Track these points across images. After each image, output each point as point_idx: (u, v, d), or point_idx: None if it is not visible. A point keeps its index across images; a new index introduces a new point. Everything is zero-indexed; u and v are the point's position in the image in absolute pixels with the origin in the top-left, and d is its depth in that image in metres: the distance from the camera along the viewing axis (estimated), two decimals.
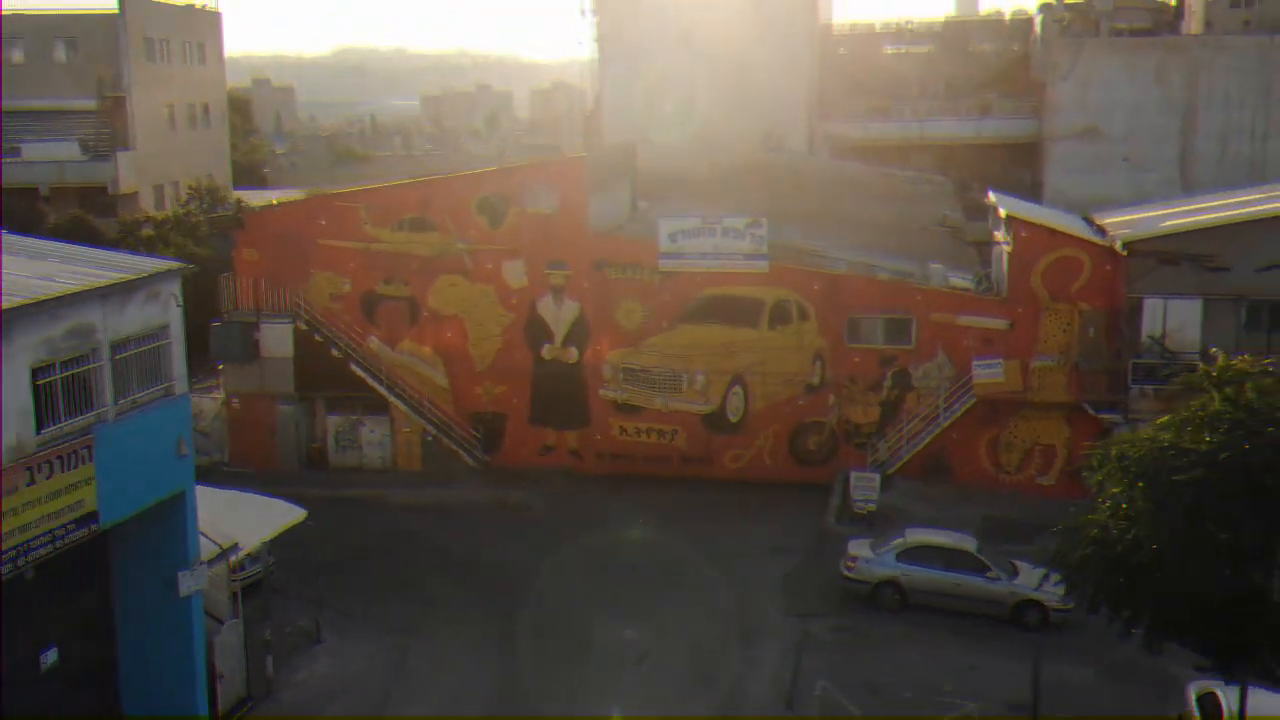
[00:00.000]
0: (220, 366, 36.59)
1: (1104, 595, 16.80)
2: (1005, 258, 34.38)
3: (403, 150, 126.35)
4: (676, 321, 34.77)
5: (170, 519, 18.96)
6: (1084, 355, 33.18)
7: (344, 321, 35.64)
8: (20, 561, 15.92)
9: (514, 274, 35.11)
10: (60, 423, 16.63)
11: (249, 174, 77.28)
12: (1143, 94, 60.62)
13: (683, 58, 57.07)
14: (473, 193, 35.11)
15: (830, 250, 37.57)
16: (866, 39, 71.00)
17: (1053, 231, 34.14)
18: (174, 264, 19.11)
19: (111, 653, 19.47)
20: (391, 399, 35.44)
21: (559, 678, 23.03)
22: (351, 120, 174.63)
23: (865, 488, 31.69)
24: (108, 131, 54.35)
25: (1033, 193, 61.17)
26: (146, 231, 49.74)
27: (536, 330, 35.35)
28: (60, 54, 56.46)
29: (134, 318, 17.78)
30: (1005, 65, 68.61)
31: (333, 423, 35.90)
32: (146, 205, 54.03)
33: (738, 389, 34.90)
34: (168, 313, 18.47)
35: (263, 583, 23.93)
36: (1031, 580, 23.62)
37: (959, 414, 33.63)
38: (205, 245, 46.59)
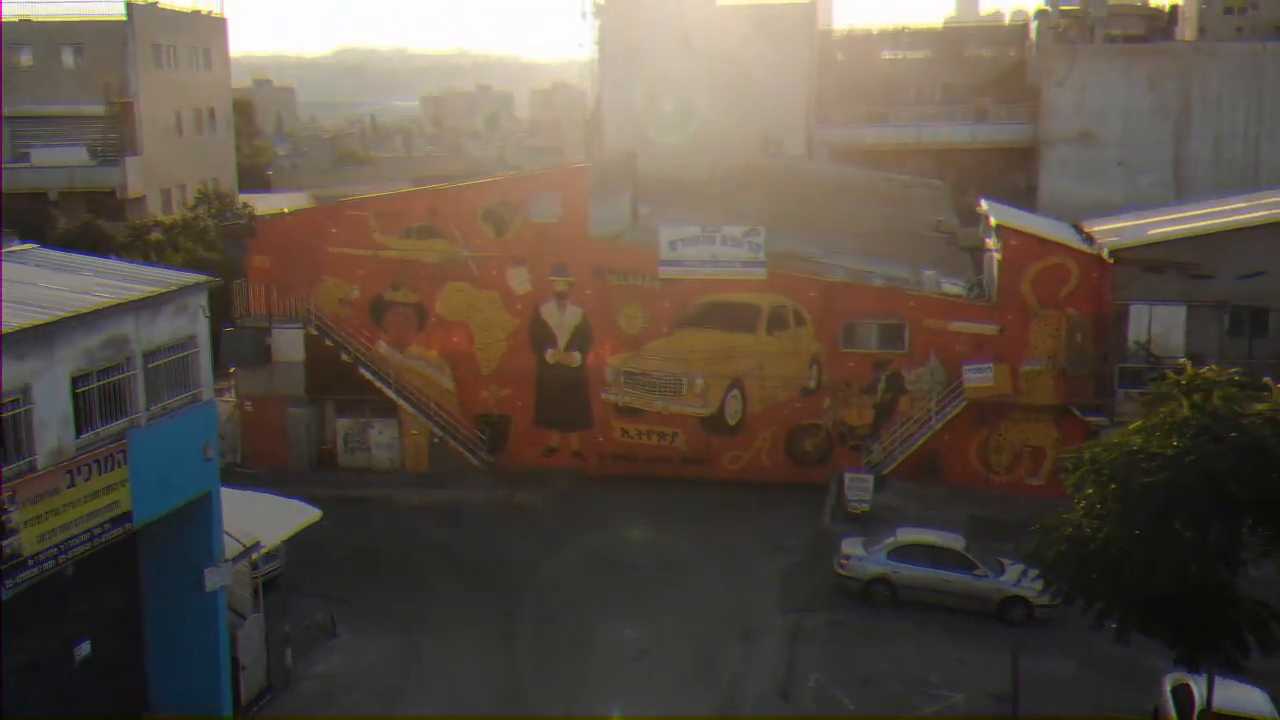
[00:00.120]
0: (232, 370, 37.51)
1: (1078, 590, 17.84)
2: (995, 265, 35.34)
3: (403, 151, 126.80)
4: (676, 327, 35.61)
5: (197, 518, 19.99)
6: (1071, 360, 34.04)
7: (353, 326, 36.53)
8: (61, 559, 16.95)
9: (518, 280, 36.01)
10: (97, 428, 17.65)
11: (252, 176, 77.83)
12: (1137, 99, 61.21)
13: (683, 61, 57.80)
14: (478, 202, 36.01)
15: (826, 256, 38.50)
16: (864, 44, 71.65)
17: (1041, 240, 35.10)
18: (201, 277, 20.12)
19: (140, 645, 20.49)
20: (399, 402, 36.27)
21: (563, 672, 23.83)
22: (352, 121, 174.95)
23: (859, 488, 32.59)
24: (116, 137, 54.81)
25: (1028, 196, 61.96)
26: (155, 236, 50.30)
27: (540, 335, 36.23)
28: (69, 60, 56.70)
29: (164, 329, 18.81)
30: (1001, 70, 69.22)
31: (342, 425, 36.72)
32: (154, 209, 54.50)
33: (736, 392, 35.79)
34: (195, 323, 19.49)
35: (280, 579, 24.92)
36: (1016, 577, 24.62)
37: (950, 416, 34.51)
38: (215, 250, 47.30)
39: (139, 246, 47.46)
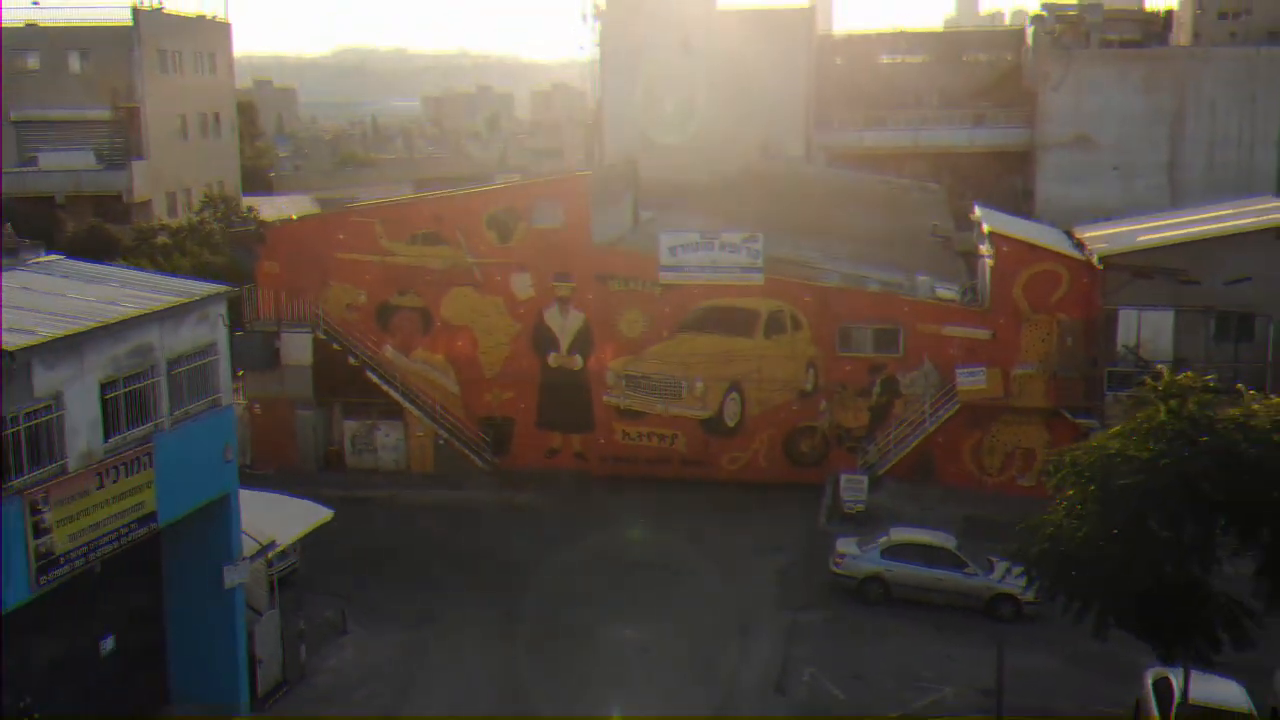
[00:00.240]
0: (241, 374, 38.25)
1: (1059, 587, 18.67)
2: (988, 271, 36.15)
3: (404, 153, 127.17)
4: (676, 331, 36.34)
5: (217, 518, 20.83)
6: (1062, 364, 34.80)
7: (360, 331, 37.30)
8: (91, 557, 17.78)
9: (522, 286, 36.78)
10: (124, 433, 18.47)
11: (255, 178, 78.03)
12: (1132, 103, 61.86)
13: (683, 64, 58.45)
14: (483, 209, 36.79)
15: (823, 261, 39.23)
16: (863, 48, 72.27)
17: (1033, 247, 35.87)
18: (221, 288, 20.94)
19: (162, 640, 21.32)
20: (405, 404, 37.04)
21: (566, 667, 24.57)
22: (353, 121, 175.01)
23: (854, 489, 33.35)
24: (122, 141, 55.37)
25: (1025, 199, 62.67)
26: (162, 239, 50.79)
27: (543, 339, 36.99)
28: (75, 64, 56.91)
29: (187, 337, 19.64)
30: (998, 74, 69.87)
31: (349, 427, 37.52)
32: (159, 213, 55.08)
33: (735, 395, 36.54)
34: (215, 332, 20.32)
35: (293, 577, 25.73)
36: (1003, 575, 25.44)
37: (944, 419, 35.23)
38: (221, 254, 47.88)
39: (146, 250, 47.77)
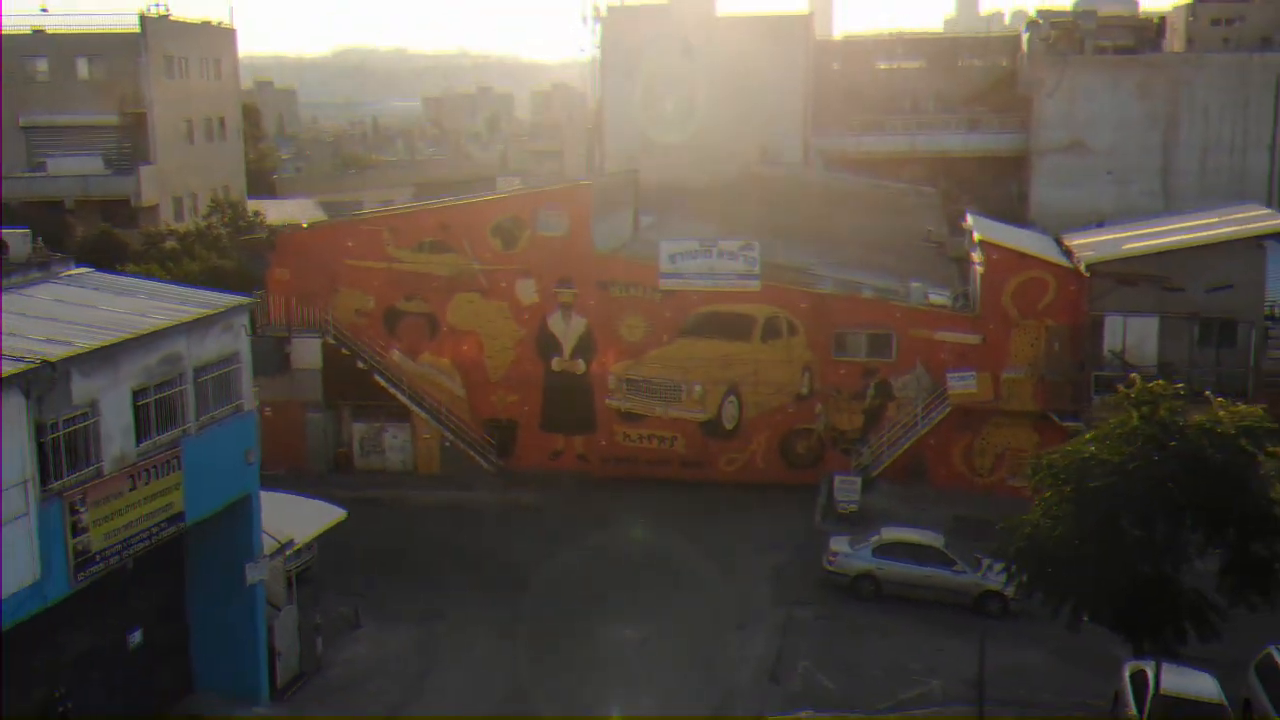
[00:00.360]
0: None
1: (1037, 583, 19.74)
2: (978, 278, 37.17)
3: (405, 154, 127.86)
4: (676, 336, 37.31)
5: (239, 518, 21.89)
6: (1050, 368, 35.78)
7: (368, 335, 38.29)
8: (124, 555, 18.84)
9: (526, 292, 37.78)
10: (154, 437, 19.51)
11: (259, 181, 78.53)
12: (1126, 109, 62.41)
13: (683, 68, 59.26)
14: (488, 217, 37.78)
15: (819, 267, 40.24)
16: (859, 53, 73.05)
17: (1021, 255, 36.85)
18: (244, 299, 22.00)
19: (186, 633, 22.38)
20: (412, 407, 37.99)
21: (570, 660, 25.56)
22: (354, 122, 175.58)
23: (848, 489, 34.36)
24: (129, 146, 55.98)
25: (1020, 204, 63.40)
26: (170, 244, 51.61)
27: (546, 344, 37.97)
28: (83, 70, 57.19)
29: (212, 346, 20.70)
30: (994, 80, 70.55)
31: (358, 429, 38.47)
32: (167, 217, 55.65)
33: (733, 398, 37.51)
34: (238, 341, 21.39)
35: (307, 574, 26.76)
36: (992, 573, 26.47)
37: (936, 421, 36.21)
38: (230, 258, 48.64)
39: (154, 255, 48.42)
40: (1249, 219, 39.11)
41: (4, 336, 17.55)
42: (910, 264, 42.69)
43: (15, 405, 16.62)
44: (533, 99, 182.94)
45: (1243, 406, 19.41)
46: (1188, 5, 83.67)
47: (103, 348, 18.12)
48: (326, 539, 27.81)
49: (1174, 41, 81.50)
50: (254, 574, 21.88)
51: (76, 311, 19.59)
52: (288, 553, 23.70)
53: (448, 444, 38.13)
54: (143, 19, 55.87)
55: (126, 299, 20.74)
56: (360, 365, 37.99)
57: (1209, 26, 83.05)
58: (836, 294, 37.57)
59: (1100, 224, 56.08)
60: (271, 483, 31.32)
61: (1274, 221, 38.49)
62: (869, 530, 31.07)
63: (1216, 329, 35.14)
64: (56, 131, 55.88)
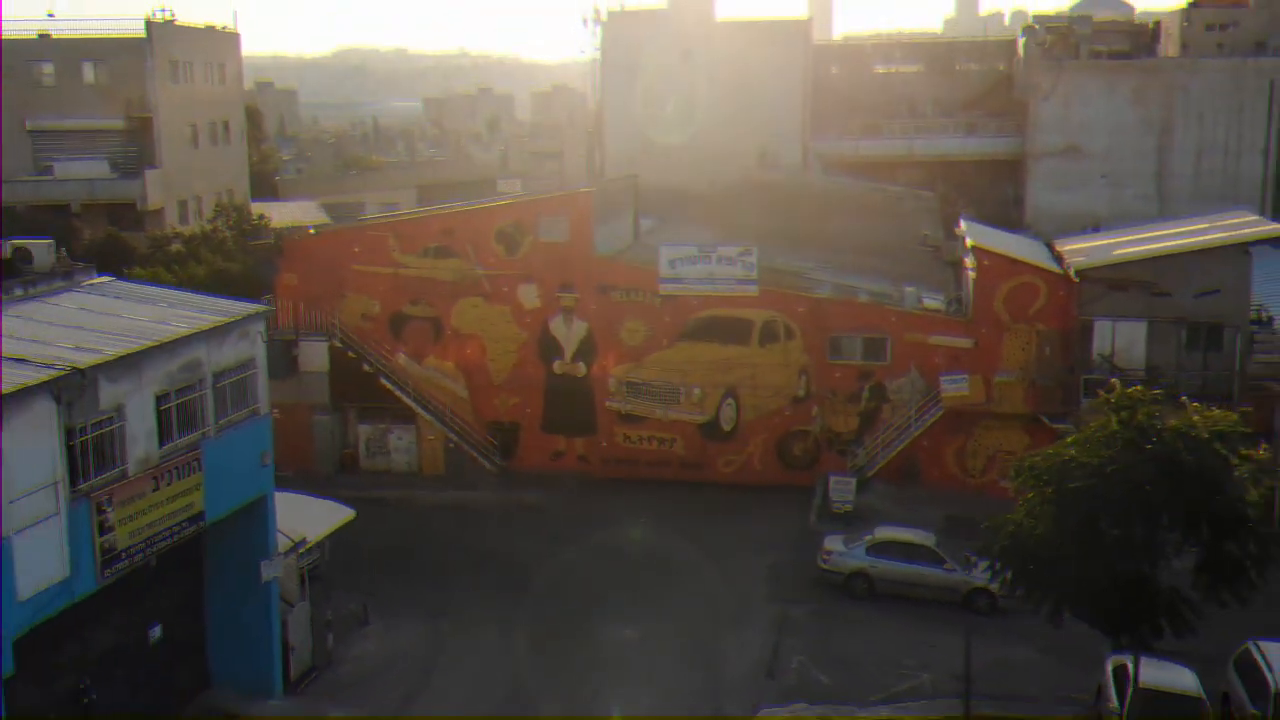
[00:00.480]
0: None
1: (1020, 580, 20.61)
2: (971, 283, 38.00)
3: (406, 155, 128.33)
4: (675, 340, 38.09)
5: (254, 517, 22.76)
6: (1040, 371, 36.53)
7: (374, 339, 39.06)
8: (148, 552, 19.69)
9: (528, 296, 38.59)
10: (176, 440, 20.37)
11: (261, 183, 78.64)
12: (1121, 113, 63.36)
13: (683, 72, 60.03)
14: (491, 223, 38.60)
15: (816, 272, 41.06)
16: (857, 57, 73.84)
17: (1013, 261, 37.67)
18: (260, 307, 22.87)
19: (203, 629, 23.23)
20: (417, 409, 38.77)
21: (572, 655, 26.37)
22: (354, 123, 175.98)
23: (843, 490, 35.13)
24: (135, 150, 56.49)
25: (1016, 207, 64.28)
26: (176, 247, 52.11)
27: (548, 347, 38.76)
28: (89, 75, 57.48)
29: (230, 353, 21.56)
30: (991, 84, 71.32)
31: (364, 431, 39.28)
32: (172, 220, 56.20)
33: (730, 401, 38.29)
34: (254, 347, 22.24)
35: (316, 572, 27.58)
36: (979, 571, 27.28)
37: (929, 424, 36.96)
38: (235, 261, 49.25)
39: (160, 258, 48.80)
40: (1236, 225, 39.95)
41: (34, 344, 18.39)
42: (906, 268, 43.48)
43: (46, 410, 17.47)
44: (533, 100, 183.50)
45: (1217, 411, 20.26)
46: (1182, 10, 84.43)
47: (128, 355, 18.98)
48: (335, 538, 28.57)
49: (1169, 46, 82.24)
50: (269, 571, 22.73)
51: (101, 320, 20.44)
52: (300, 551, 24.53)
53: (452, 445, 38.89)
54: (148, 24, 56.42)
55: (148, 307, 21.58)
56: (366, 368, 38.76)
57: (1203, 32, 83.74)
58: (833, 299, 38.34)
59: (1096, 228, 56.80)
60: (280, 483, 32.18)
61: (1260, 228, 39.36)
62: (863, 530, 31.86)
63: (1203, 333, 35.92)
64: (62, 135, 56.27)
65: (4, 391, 16.62)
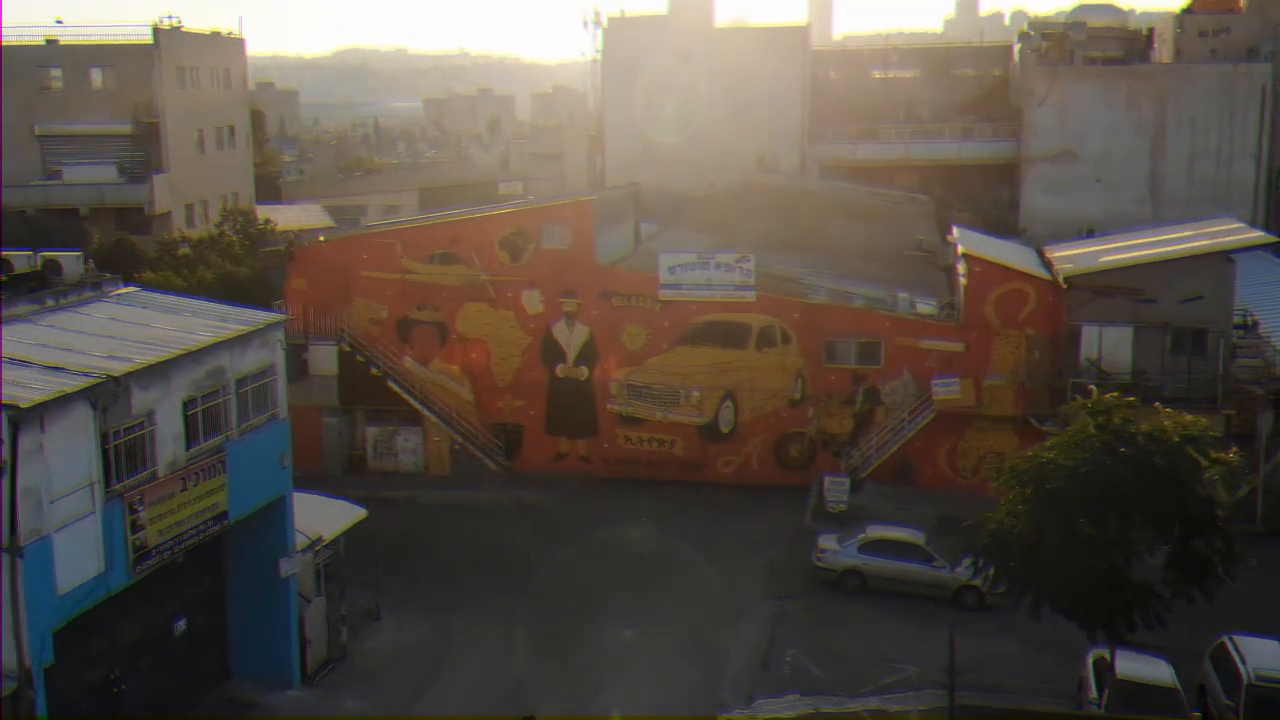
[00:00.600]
0: None
1: (1001, 575, 21.72)
2: (962, 289, 39.02)
3: (407, 157, 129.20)
4: (675, 344, 39.10)
5: (274, 516, 23.87)
6: (1030, 375, 37.54)
7: (382, 343, 40.07)
8: (176, 549, 20.79)
9: (532, 302, 39.62)
10: (201, 443, 21.47)
11: (265, 186, 78.78)
12: (1115, 118, 63.83)
13: (683, 76, 60.80)
14: (496, 231, 39.62)
15: (813, 277, 42.04)
16: (855, 63, 74.58)
17: (1003, 268, 38.65)
18: (280, 317, 23.95)
19: (224, 622, 24.33)
20: (424, 411, 39.78)
21: (575, 648, 27.32)
22: (355, 124, 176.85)
23: (837, 490, 36.05)
24: (142, 154, 57.12)
25: (1011, 211, 65.06)
26: (184, 251, 52.83)
27: (551, 351, 39.79)
28: (97, 80, 58.13)
29: (251, 360, 22.66)
30: (986, 89, 72.08)
31: (372, 432, 40.28)
32: (179, 224, 57.01)
33: (729, 403, 39.32)
34: (274, 354, 23.34)
35: (328, 569, 28.60)
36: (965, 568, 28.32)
37: (921, 425, 37.96)
38: (243, 265, 50.15)
39: (169, 262, 49.51)
40: (1220, 233, 40.96)
41: (69, 353, 19.50)
42: (901, 272, 44.38)
43: (83, 416, 18.57)
44: (533, 100, 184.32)
45: (1189, 416, 21.37)
46: (1175, 17, 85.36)
47: (158, 363, 20.08)
48: (346, 537, 29.55)
49: (1162, 52, 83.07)
50: (288, 568, 23.83)
51: (131, 329, 21.53)
52: (317, 548, 25.61)
53: (457, 446, 39.87)
54: (156, 31, 57.11)
55: (174, 317, 22.68)
56: (374, 371, 39.76)
57: (1196, 38, 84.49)
58: (828, 304, 39.33)
59: (1090, 232, 57.80)
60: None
61: (1243, 236, 40.40)
62: (856, 528, 32.87)
63: (1188, 338, 36.82)
64: (70, 140, 56.90)
65: (45, 399, 17.72)
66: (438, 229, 40.61)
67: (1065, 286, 37.49)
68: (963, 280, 39.01)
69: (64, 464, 18.26)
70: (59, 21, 63.48)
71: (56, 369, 18.82)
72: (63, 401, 18.08)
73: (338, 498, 29.74)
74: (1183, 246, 39.46)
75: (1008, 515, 21.38)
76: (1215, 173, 64.98)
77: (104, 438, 19.12)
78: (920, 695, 25.11)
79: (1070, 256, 41.33)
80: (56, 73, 58.05)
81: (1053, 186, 64.43)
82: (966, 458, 38.34)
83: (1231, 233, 40.99)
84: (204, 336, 21.56)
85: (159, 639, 22.55)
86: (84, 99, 57.47)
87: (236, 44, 67.07)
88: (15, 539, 17.49)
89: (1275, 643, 24.63)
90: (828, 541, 31.84)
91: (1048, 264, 40.80)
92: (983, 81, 73.16)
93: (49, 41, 59.32)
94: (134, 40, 57.53)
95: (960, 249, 39.82)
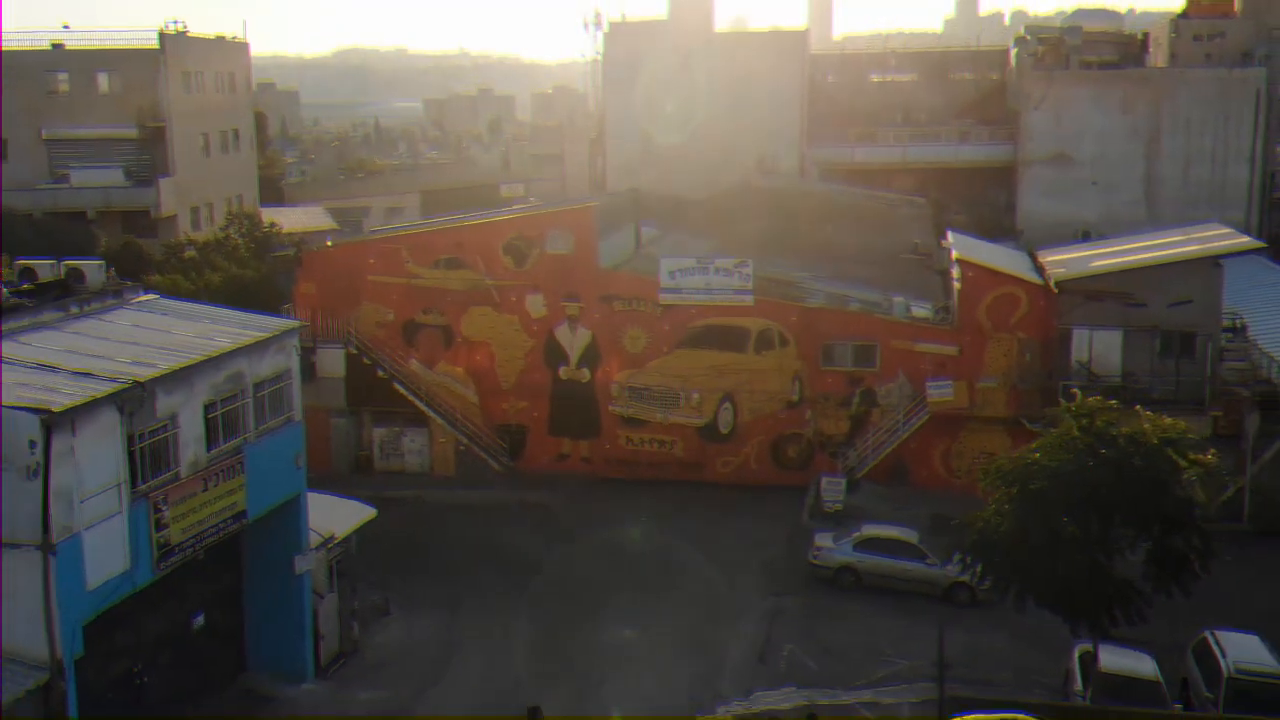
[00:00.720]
0: None
1: (988, 572, 22.62)
2: (956, 293, 39.86)
3: (408, 157, 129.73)
4: (675, 347, 39.85)
5: (289, 515, 24.76)
6: (1022, 377, 38.25)
7: (388, 346, 40.86)
8: (198, 547, 21.68)
9: (535, 306, 40.41)
10: (221, 445, 22.36)
11: (268, 188, 79.13)
12: (1110, 122, 64.55)
13: (683, 79, 61.58)
14: (499, 236, 40.42)
15: (810, 281, 42.90)
16: (854, 67, 75.34)
17: (996, 272, 39.46)
18: (295, 323, 24.85)
19: (241, 618, 25.22)
20: (429, 413, 40.54)
21: (578, 643, 28.09)
22: (356, 124, 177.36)
23: (833, 490, 36.81)
24: (148, 158, 57.87)
25: (1008, 213, 65.81)
26: (190, 254, 53.08)
27: (554, 354, 40.57)
28: (104, 84, 58.65)
29: (268, 364, 23.54)
30: (983, 93, 72.75)
31: (378, 433, 41.04)
32: (184, 227, 57.66)
33: (728, 405, 40.07)
34: (290, 359, 24.23)
35: (339, 566, 29.47)
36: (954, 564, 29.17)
37: (916, 427, 38.66)
38: (249, 267, 50.86)
39: (175, 265, 50.09)
40: (1209, 238, 41.83)
41: (95, 359, 20.37)
42: (897, 276, 45.16)
43: (111, 419, 19.46)
44: (534, 101, 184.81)
45: (1168, 419, 22.25)
46: (1170, 21, 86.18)
47: (181, 369, 20.97)
48: (357, 534, 30.39)
49: (1157, 57, 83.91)
50: (302, 565, 24.72)
51: (153, 336, 22.41)
52: (330, 546, 26.49)
53: (462, 447, 40.65)
54: (161, 36, 57.74)
55: (193, 324, 23.57)
56: (381, 374, 40.50)
57: (1191, 42, 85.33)
58: (825, 308, 40.14)
59: (1086, 235, 58.59)
60: None
61: (1231, 241, 41.26)
62: (852, 527, 33.68)
63: (1176, 342, 37.60)
64: (77, 144, 57.65)
65: (76, 403, 18.61)
66: (443, 234, 41.43)
67: (1056, 291, 38.29)
68: (956, 285, 39.81)
69: (93, 465, 19.13)
70: (65, 26, 64.24)
71: (85, 374, 19.69)
72: (92, 406, 18.95)
73: (349, 497, 30.60)
74: (1172, 252, 40.26)
75: (994, 514, 22.26)
76: (1210, 175, 65.66)
77: (130, 440, 19.98)
78: (912, 688, 26.01)
79: (1062, 261, 42.14)
80: (63, 77, 58.68)
81: (1049, 189, 65.13)
82: (960, 458, 39.01)
83: (1220, 238, 41.84)
84: (224, 342, 22.45)
85: (179, 633, 23.43)
86: (90, 103, 58.08)
87: (241, 48, 67.72)
88: (48, 537, 18.37)
89: (1255, 638, 25.52)
90: (824, 540, 32.66)
91: (1040, 268, 41.62)
92: (980, 85, 73.87)
93: (55, 46, 59.97)
94: (140, 45, 58.11)
95: (954, 254, 40.62)
